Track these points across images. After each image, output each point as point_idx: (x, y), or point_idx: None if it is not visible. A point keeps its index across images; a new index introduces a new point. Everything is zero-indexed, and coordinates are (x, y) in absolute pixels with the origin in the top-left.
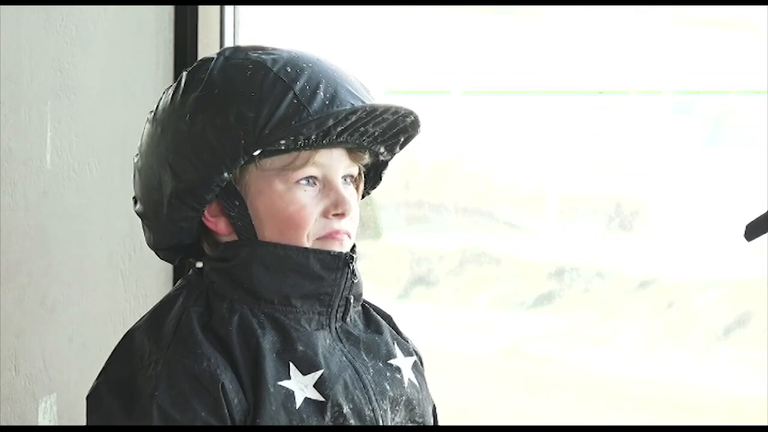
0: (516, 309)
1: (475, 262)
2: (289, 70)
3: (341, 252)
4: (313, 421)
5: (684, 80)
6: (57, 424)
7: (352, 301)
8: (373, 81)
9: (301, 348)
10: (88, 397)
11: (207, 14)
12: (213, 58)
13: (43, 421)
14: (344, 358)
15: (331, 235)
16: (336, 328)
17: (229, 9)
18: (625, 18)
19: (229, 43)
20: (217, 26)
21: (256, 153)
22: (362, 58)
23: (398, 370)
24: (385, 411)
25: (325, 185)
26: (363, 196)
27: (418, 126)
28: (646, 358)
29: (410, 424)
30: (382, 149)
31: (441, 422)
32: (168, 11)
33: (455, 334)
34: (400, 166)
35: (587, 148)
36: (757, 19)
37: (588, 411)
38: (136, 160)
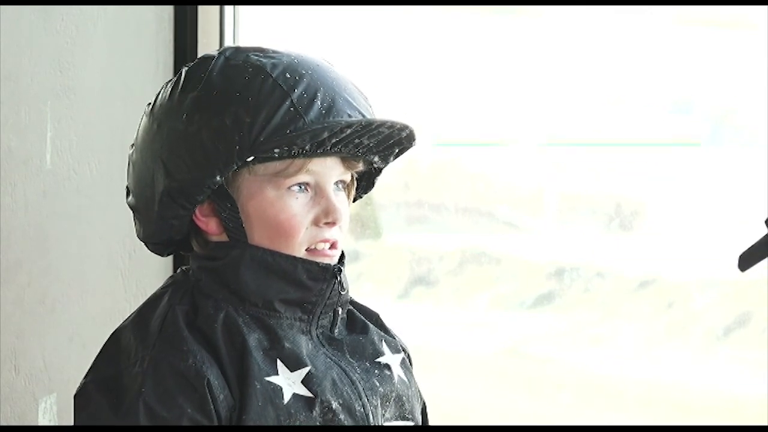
0: (516, 309)
1: (475, 262)
2: (288, 76)
3: (329, 264)
4: (301, 417)
5: (684, 80)
6: (57, 424)
7: (340, 312)
8: (374, 82)
9: (287, 345)
10: (75, 396)
11: (207, 14)
12: (214, 56)
13: (43, 421)
14: (329, 359)
15: (321, 251)
16: (317, 335)
17: (229, 9)
18: (625, 18)
19: (228, 43)
20: (217, 26)
21: (250, 159)
22: (362, 59)
23: (387, 367)
24: (376, 407)
25: (317, 192)
26: (354, 200)
27: (413, 139)
28: (646, 358)
29: (400, 421)
30: (376, 159)
31: (441, 422)
32: (168, 11)
33: (455, 334)
34: (399, 166)
35: (587, 148)
36: (757, 19)
37: (588, 411)
38: (131, 152)
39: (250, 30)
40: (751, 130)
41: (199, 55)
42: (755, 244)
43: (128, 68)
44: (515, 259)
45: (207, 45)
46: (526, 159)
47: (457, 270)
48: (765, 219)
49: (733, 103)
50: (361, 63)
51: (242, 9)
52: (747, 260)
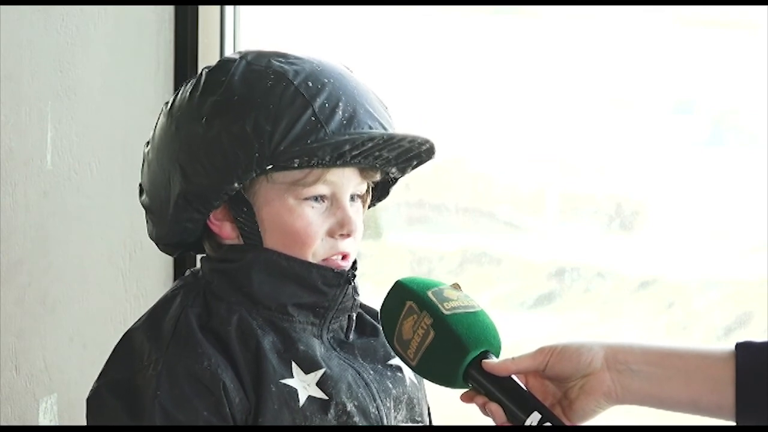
0: (516, 309)
1: (476, 262)
2: (311, 84)
3: (344, 270)
4: (317, 419)
5: (684, 80)
6: (57, 424)
7: (354, 318)
8: (373, 82)
9: (302, 348)
10: (88, 400)
11: (207, 14)
12: (235, 60)
13: (43, 421)
14: (342, 362)
15: (333, 261)
16: (328, 339)
17: (229, 9)
18: (624, 18)
19: (229, 43)
20: (218, 26)
21: (269, 167)
22: (362, 59)
23: (399, 369)
24: (389, 409)
25: (333, 203)
26: (369, 207)
27: (433, 153)
28: None
29: (411, 423)
30: (393, 170)
31: (441, 422)
32: (168, 11)
33: None
34: None
35: (588, 148)
36: (757, 19)
37: None
38: (146, 151)
39: (251, 30)
40: (752, 130)
41: (200, 55)
42: None
43: (129, 68)
44: (516, 259)
45: (207, 45)
46: (527, 159)
47: (458, 270)
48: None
49: (733, 104)
50: (361, 63)
51: (242, 9)
52: None
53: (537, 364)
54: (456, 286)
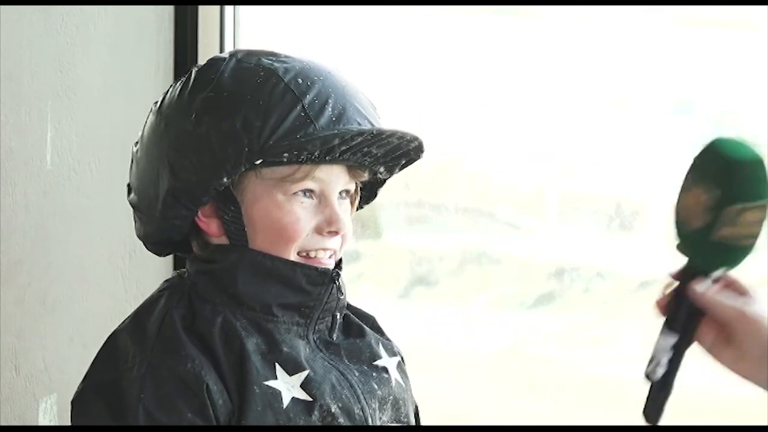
0: (516, 309)
1: (475, 262)
2: (300, 81)
3: (328, 269)
4: (300, 421)
5: (684, 80)
6: (57, 424)
7: (338, 317)
8: (373, 81)
9: (286, 349)
10: (73, 401)
11: (207, 14)
12: (225, 58)
13: (43, 421)
14: (326, 363)
15: (318, 259)
16: (314, 339)
17: (229, 9)
18: (624, 18)
19: (229, 43)
20: (217, 26)
21: (258, 162)
22: (361, 59)
23: (385, 370)
24: (374, 410)
25: (321, 200)
26: (357, 209)
27: (422, 151)
28: (646, 358)
29: (396, 424)
30: (381, 169)
31: (441, 423)
32: (168, 11)
33: (455, 334)
34: None
35: (588, 148)
36: (757, 19)
37: (588, 411)
38: (135, 150)
39: (250, 30)
40: (752, 130)
41: (200, 55)
42: (649, 397)
43: (129, 68)
44: (515, 259)
45: (207, 45)
46: (527, 159)
47: (458, 270)
48: (645, 372)
49: (733, 104)
50: (360, 63)
51: (242, 9)
52: (653, 414)
53: (729, 328)
54: None
